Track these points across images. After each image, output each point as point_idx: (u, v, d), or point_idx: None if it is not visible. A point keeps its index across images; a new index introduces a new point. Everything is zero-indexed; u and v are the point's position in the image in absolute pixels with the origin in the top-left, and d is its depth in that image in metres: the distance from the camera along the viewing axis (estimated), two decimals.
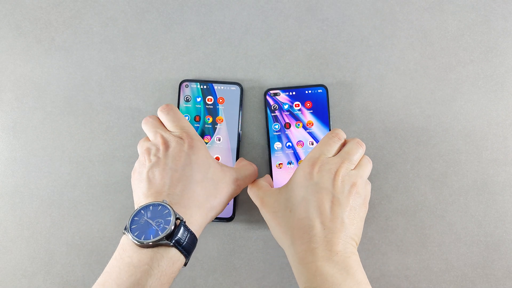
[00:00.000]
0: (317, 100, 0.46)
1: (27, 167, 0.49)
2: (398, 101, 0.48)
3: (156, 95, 0.49)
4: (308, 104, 0.46)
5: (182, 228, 0.33)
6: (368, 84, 0.48)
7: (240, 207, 0.48)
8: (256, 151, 0.48)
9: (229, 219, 0.46)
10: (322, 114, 0.46)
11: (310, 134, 0.46)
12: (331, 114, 0.47)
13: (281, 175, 0.46)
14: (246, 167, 0.43)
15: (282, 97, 0.46)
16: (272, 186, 0.43)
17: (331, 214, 0.35)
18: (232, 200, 0.46)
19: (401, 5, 0.49)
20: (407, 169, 0.48)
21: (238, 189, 0.40)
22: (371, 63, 0.48)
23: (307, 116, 0.46)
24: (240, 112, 0.47)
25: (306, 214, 0.35)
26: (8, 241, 0.49)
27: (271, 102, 0.46)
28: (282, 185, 0.43)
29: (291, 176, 0.40)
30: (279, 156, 0.46)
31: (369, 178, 0.48)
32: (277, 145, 0.46)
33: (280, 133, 0.46)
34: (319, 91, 0.46)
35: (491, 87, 0.48)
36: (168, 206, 0.33)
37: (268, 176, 0.45)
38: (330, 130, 0.46)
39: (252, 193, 0.42)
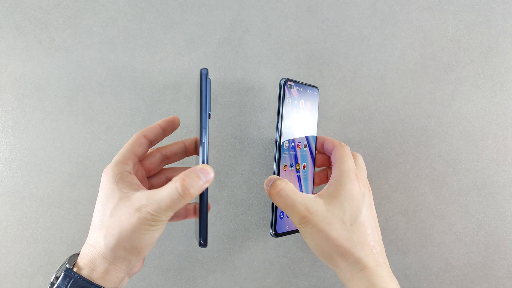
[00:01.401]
0: (313, 101, 0.44)
1: (27, 167, 0.49)
2: (398, 101, 0.48)
3: (156, 95, 0.49)
4: (308, 104, 0.44)
5: (63, 277, 0.33)
6: (368, 84, 0.48)
7: (240, 208, 0.48)
8: (257, 151, 0.48)
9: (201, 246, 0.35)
10: (313, 115, 0.45)
11: (305, 136, 0.44)
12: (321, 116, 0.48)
13: (286, 177, 0.42)
14: (166, 187, 0.31)
15: (294, 91, 0.43)
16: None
17: (378, 230, 0.38)
18: (203, 226, 0.34)
19: (401, 5, 0.49)
20: (407, 169, 0.48)
21: (149, 216, 0.31)
22: (371, 63, 0.48)
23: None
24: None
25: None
26: (8, 241, 0.49)
27: (287, 95, 0.42)
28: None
29: (292, 179, 0.40)
30: (285, 156, 0.42)
31: (369, 178, 0.48)
32: (285, 144, 0.42)
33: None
34: (315, 92, 0.44)
35: (491, 87, 0.48)
36: (66, 259, 0.35)
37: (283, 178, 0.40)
38: (316, 133, 0.44)
39: (283, 197, 0.36)
